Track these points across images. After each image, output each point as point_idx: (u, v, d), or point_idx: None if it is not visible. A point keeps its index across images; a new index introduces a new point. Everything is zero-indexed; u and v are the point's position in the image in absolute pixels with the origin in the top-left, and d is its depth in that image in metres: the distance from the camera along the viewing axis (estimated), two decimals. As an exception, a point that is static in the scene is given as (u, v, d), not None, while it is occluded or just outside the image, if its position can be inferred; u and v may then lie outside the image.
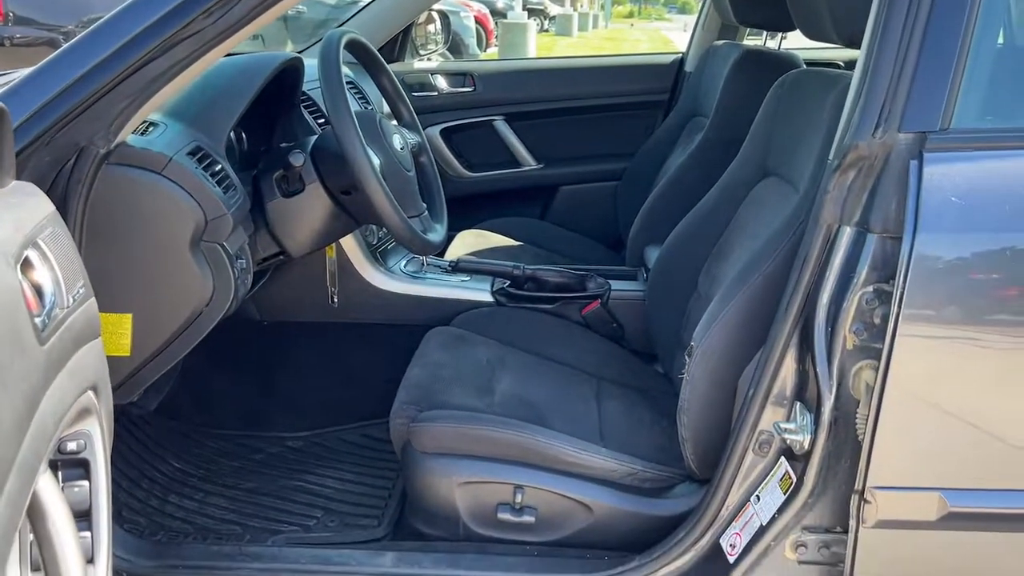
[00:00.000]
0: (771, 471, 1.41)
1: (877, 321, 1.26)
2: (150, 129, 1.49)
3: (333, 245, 2.06)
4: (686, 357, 1.58)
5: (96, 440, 0.96)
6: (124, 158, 1.38)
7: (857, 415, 1.28)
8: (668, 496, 1.61)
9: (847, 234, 1.28)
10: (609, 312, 2.19)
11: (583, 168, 3.05)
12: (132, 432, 2.08)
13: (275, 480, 1.98)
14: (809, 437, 1.32)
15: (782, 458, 1.39)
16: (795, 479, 1.35)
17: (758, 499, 1.41)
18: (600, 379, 1.98)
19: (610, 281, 2.24)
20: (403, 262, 2.27)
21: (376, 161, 1.65)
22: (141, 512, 1.84)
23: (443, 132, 2.94)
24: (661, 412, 1.87)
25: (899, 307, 1.20)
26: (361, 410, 2.15)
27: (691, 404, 1.55)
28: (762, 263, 1.53)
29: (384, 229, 2.18)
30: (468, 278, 2.26)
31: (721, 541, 1.44)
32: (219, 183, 1.50)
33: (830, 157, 1.32)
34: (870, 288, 1.26)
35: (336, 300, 2.11)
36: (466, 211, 2.85)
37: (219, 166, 1.52)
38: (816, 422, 1.31)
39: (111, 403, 1.06)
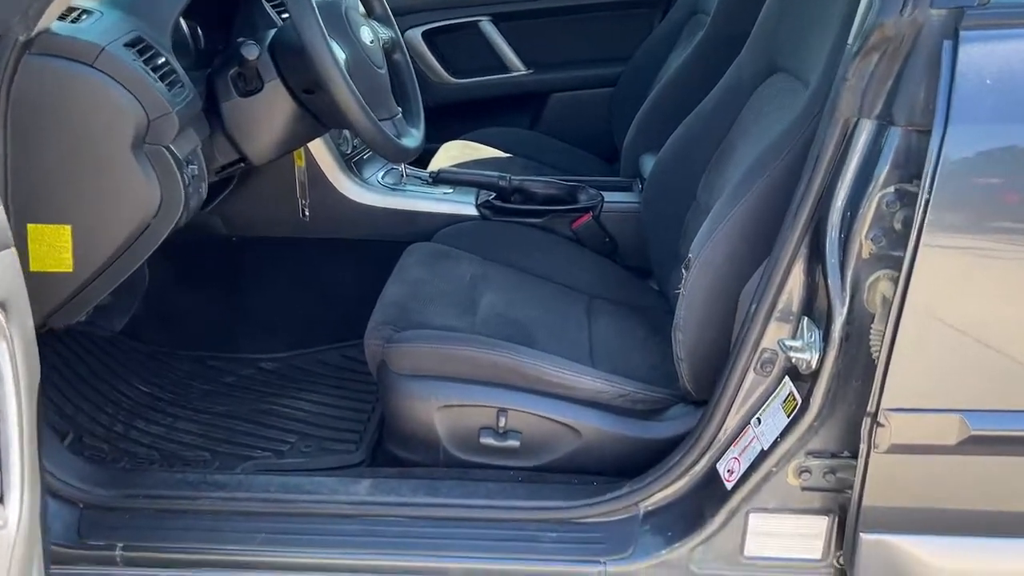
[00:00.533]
0: (774, 392, 1.29)
1: (898, 226, 1.12)
2: (82, 17, 1.32)
3: (302, 153, 1.91)
4: (683, 271, 1.45)
5: (4, 364, 0.84)
6: (48, 48, 1.22)
7: (871, 331, 1.16)
8: (661, 419, 1.51)
9: (867, 128, 1.13)
10: (601, 225, 2.05)
11: (576, 73, 2.86)
12: (96, 355, 1.97)
13: (247, 404, 1.87)
14: (817, 355, 1.20)
15: (786, 378, 1.28)
16: (800, 401, 1.24)
17: (759, 422, 1.30)
18: (591, 296, 1.85)
19: (603, 192, 2.09)
20: (380, 173, 2.11)
21: (341, 55, 1.48)
22: (104, 438, 1.74)
23: (425, 34, 2.74)
24: (655, 330, 1.76)
25: (924, 210, 1.06)
26: (338, 331, 2.03)
27: (688, 321, 1.43)
28: (767, 167, 1.39)
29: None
30: (451, 190, 2.11)
31: (718, 466, 1.34)
32: (163, 78, 1.34)
33: (849, 41, 1.16)
34: (891, 189, 1.12)
35: (307, 213, 1.97)
36: (450, 120, 2.68)
37: (163, 59, 1.36)
38: (825, 339, 1.19)
39: (29, 322, 0.93)
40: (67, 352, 1.91)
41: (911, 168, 1.10)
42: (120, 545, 1.36)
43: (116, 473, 1.49)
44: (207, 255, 2.10)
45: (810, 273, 1.23)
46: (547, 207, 2.06)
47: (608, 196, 2.08)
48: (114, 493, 1.42)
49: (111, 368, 1.94)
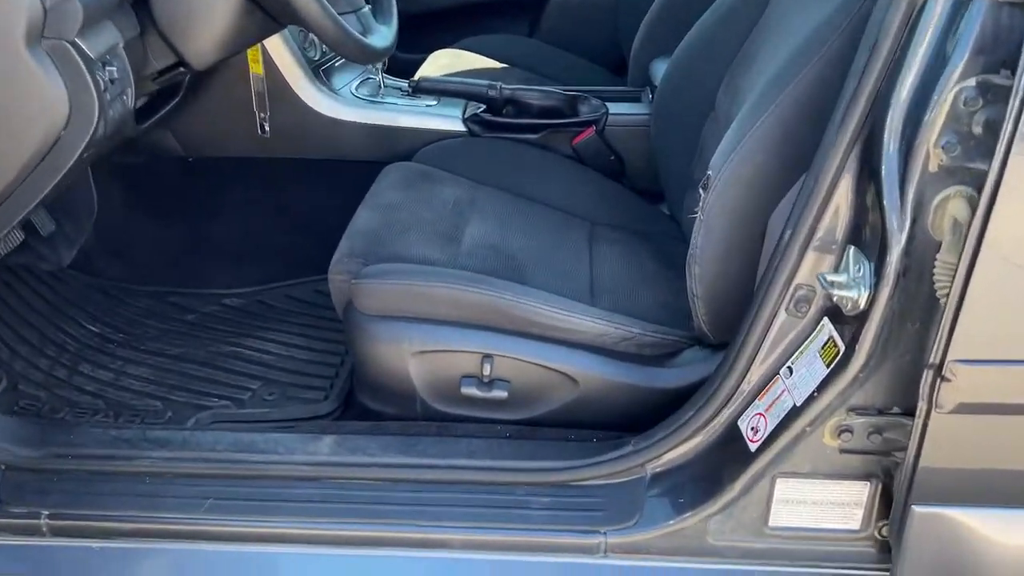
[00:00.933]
0: (809, 337, 1.08)
1: (978, 130, 0.89)
2: None
3: (259, 59, 1.66)
4: (700, 192, 1.22)
5: None
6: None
7: (937, 263, 0.93)
8: (672, 365, 1.30)
9: (940, 2, 0.89)
10: (606, 142, 1.81)
11: (579, -27, 2.57)
12: (39, 291, 1.76)
13: (207, 345, 1.67)
14: (866, 293, 0.98)
15: (825, 320, 1.06)
16: (842, 347, 1.02)
17: (790, 372, 1.09)
18: (593, 223, 1.63)
19: (607, 104, 1.84)
20: (354, 83, 1.86)
21: (290, -69, 1.23)
22: (43, 385, 1.55)
23: (410, -71, 2.44)
24: (667, 262, 1.53)
25: (1019, 109, 0.83)
26: (310, 263, 1.80)
27: (706, 251, 1.20)
28: (803, 65, 1.15)
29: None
30: (434, 102, 1.86)
31: (740, 423, 1.13)
32: (63, -44, 1.08)
33: None
34: (971, 81, 0.88)
35: (267, 129, 1.73)
36: (439, 28, 2.42)
37: (63, -68, 1.10)
38: (877, 273, 0.97)
39: None
40: (4, 289, 1.70)
41: (999, 53, 0.86)
42: (46, 513, 1.17)
43: (44, 429, 1.30)
44: (163, 178, 1.88)
45: (859, 192, 1.00)
46: (544, 121, 1.81)
47: (613, 108, 1.83)
48: (40, 453, 1.23)
49: (56, 306, 1.74)
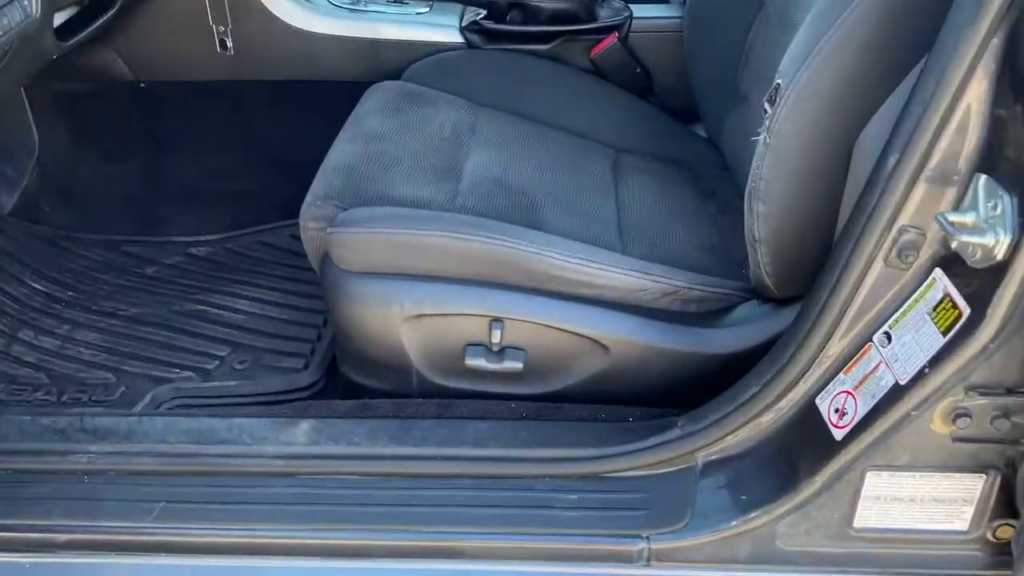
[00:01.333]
0: (915, 294, 0.83)
1: None
2: None
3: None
4: (764, 108, 0.96)
5: None
6: None
7: (1112, 198, 0.68)
8: (723, 325, 1.06)
9: None
10: (630, 51, 1.53)
11: None
12: (-27, 244, 1.52)
13: (169, 303, 1.43)
14: (1007, 239, 0.73)
15: (938, 272, 0.81)
16: (965, 309, 0.78)
17: (888, 339, 0.85)
18: (617, 150, 1.37)
19: (631, 6, 1.55)
20: (331, -12, 1.58)
21: None
22: (-26, 357, 1.32)
23: None
24: (707, 196, 1.28)
25: None
26: (285, 205, 1.55)
27: (773, 183, 0.95)
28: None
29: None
30: (426, 8, 1.58)
31: (818, 403, 0.90)
32: None
33: None
34: None
35: (229, 46, 1.46)
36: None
37: None
38: (1023, 212, 0.72)
39: None
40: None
41: None
42: (-39, 523, 0.96)
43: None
44: (112, 107, 1.61)
45: (997, 102, 0.74)
46: (556, 28, 1.53)
47: (638, 10, 1.55)
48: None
49: (-7, 261, 1.50)
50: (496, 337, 1.03)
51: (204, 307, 1.42)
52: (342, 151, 1.21)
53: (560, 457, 0.97)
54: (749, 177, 0.98)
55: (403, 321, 1.04)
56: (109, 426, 1.03)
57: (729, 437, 0.94)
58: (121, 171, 1.62)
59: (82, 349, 1.34)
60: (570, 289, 1.04)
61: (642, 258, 1.08)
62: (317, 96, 1.56)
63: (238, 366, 1.29)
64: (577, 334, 1.04)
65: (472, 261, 1.03)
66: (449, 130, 1.31)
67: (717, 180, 1.35)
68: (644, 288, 1.04)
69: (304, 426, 1.02)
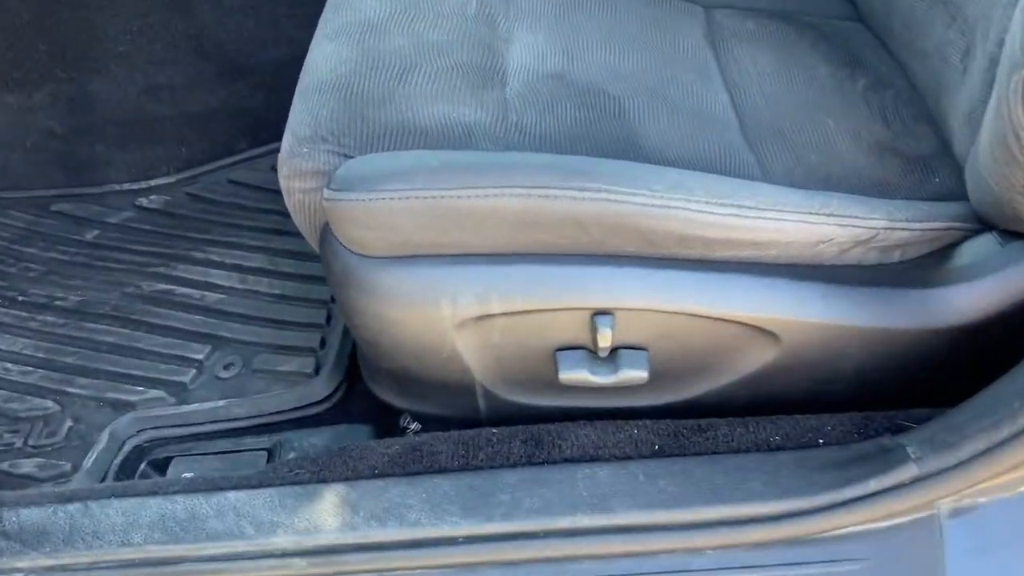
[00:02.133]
0: None
1: None
2: None
3: None
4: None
5: None
6: None
7: None
8: (951, 280, 0.69)
9: None
10: None
11: None
12: None
13: (121, 283, 1.06)
14: None
15: None
16: None
17: None
18: (707, 7, 0.96)
19: None
20: None
21: None
22: None
23: None
24: (850, 64, 0.90)
25: None
26: (257, 125, 1.17)
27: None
28: None
29: None
30: None
31: None
32: None
33: None
34: None
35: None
36: None
37: None
38: None
39: None
40: None
41: None
42: None
43: None
44: (4, 16, 1.18)
45: None
46: None
47: None
48: None
49: None
50: (604, 338, 0.67)
51: (167, 285, 1.05)
52: (326, 56, 0.81)
53: (729, 519, 0.64)
54: (999, 37, 0.59)
55: (457, 326, 0.68)
56: (40, 523, 0.69)
57: (1004, 474, 0.60)
58: (30, 102, 1.21)
59: (8, 365, 0.98)
60: (713, 253, 0.67)
61: (788, 176, 0.70)
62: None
63: (223, 373, 0.93)
64: (728, 320, 0.68)
65: (558, 227, 0.65)
66: (474, 4, 0.90)
67: (854, 40, 0.95)
68: (828, 237, 0.67)
69: (330, 496, 0.68)
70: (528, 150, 0.72)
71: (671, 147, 0.76)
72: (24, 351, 0.99)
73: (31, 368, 0.97)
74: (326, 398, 0.88)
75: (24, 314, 1.04)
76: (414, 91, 0.76)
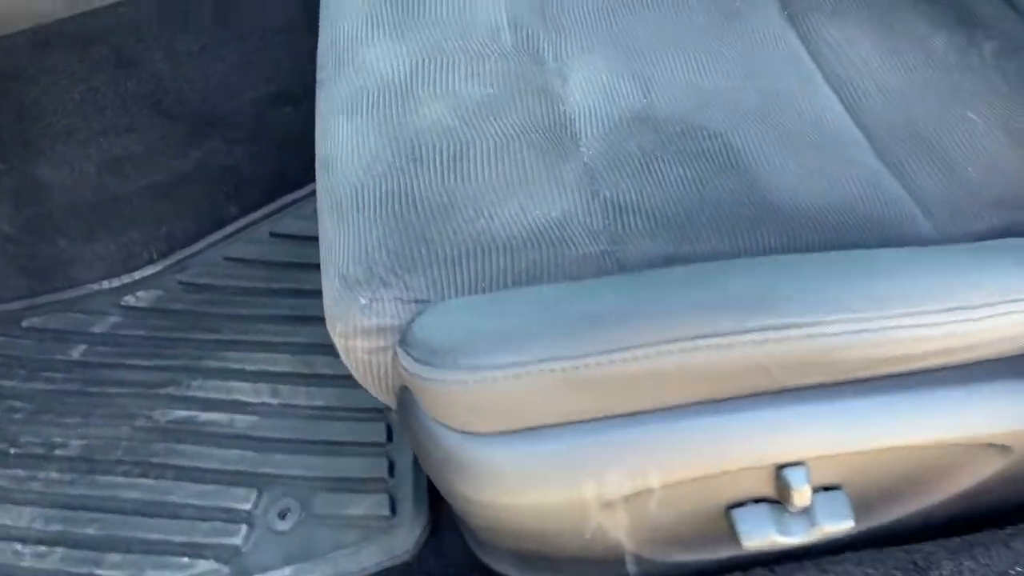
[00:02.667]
0: None
1: None
2: None
3: None
4: None
5: None
6: None
7: None
8: None
9: None
10: None
11: None
12: None
13: (130, 414, 0.89)
14: None
15: None
16: None
17: None
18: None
19: None
20: None
21: None
22: None
23: None
24: (967, 24, 0.75)
25: None
26: (247, 185, 0.99)
27: None
28: None
29: None
30: None
31: None
32: None
33: None
34: None
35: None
36: None
37: None
38: None
39: None
40: None
41: None
42: None
43: None
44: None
45: None
46: None
47: None
48: None
49: None
50: (800, 495, 0.52)
51: (185, 410, 0.88)
52: (349, 143, 0.63)
53: None
54: None
55: (603, 506, 0.53)
56: None
57: None
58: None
59: (18, 547, 0.82)
60: (911, 366, 0.52)
61: (950, 208, 0.55)
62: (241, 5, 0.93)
63: (280, 525, 0.78)
64: (941, 444, 0.53)
65: (729, 378, 0.49)
66: (507, 31, 0.72)
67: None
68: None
69: None
70: (636, 236, 0.56)
71: (804, 195, 0.60)
72: (34, 524, 0.83)
73: (47, 548, 0.81)
74: (415, 548, 0.73)
75: (22, 472, 0.87)
76: (477, 184, 0.59)
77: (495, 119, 0.64)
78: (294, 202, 1.01)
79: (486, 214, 0.57)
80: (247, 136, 1.00)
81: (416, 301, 0.53)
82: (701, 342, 0.47)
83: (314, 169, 0.65)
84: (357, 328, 0.54)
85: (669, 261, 0.55)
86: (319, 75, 0.72)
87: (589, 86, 0.68)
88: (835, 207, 0.60)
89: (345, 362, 0.58)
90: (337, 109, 0.66)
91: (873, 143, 0.66)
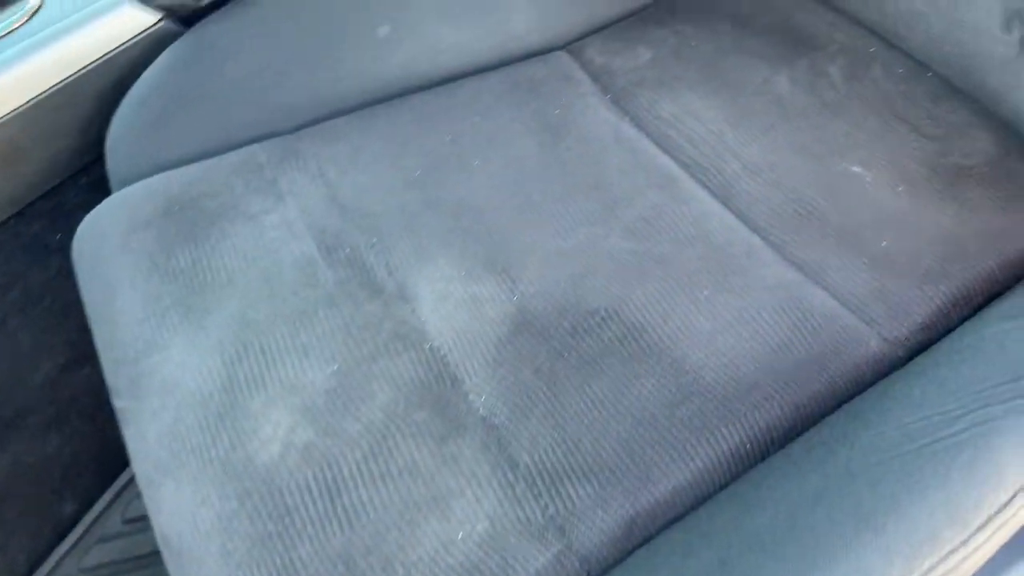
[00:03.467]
0: None
1: None
2: None
3: None
4: None
5: None
6: None
7: None
8: None
9: None
10: None
11: None
12: None
13: None
14: None
15: None
16: None
17: None
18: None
19: None
20: None
21: None
22: None
23: None
24: (861, 60, 0.68)
25: None
26: (82, 472, 0.82)
27: None
28: None
29: None
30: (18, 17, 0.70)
31: None
32: None
33: None
34: None
35: None
36: None
37: None
38: None
39: None
40: None
41: None
42: None
43: None
44: None
45: None
46: None
47: None
48: None
49: None
50: None
51: None
52: (191, 526, 0.48)
53: None
54: None
55: None
56: None
57: None
58: None
59: None
60: None
61: (879, 297, 0.49)
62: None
63: None
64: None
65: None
66: (319, 255, 0.59)
67: (777, 9, 0.71)
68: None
69: None
70: (585, 511, 0.47)
71: (733, 358, 0.52)
72: None
73: None
74: None
75: None
76: (370, 523, 0.47)
77: (355, 409, 0.51)
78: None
79: (398, 567, 0.45)
80: (52, 423, 0.82)
81: None
82: None
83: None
84: None
85: (633, 529, 0.46)
86: (116, 403, 0.56)
87: (443, 303, 0.56)
88: (771, 357, 0.52)
89: None
90: (155, 466, 0.51)
91: (769, 241, 0.58)
